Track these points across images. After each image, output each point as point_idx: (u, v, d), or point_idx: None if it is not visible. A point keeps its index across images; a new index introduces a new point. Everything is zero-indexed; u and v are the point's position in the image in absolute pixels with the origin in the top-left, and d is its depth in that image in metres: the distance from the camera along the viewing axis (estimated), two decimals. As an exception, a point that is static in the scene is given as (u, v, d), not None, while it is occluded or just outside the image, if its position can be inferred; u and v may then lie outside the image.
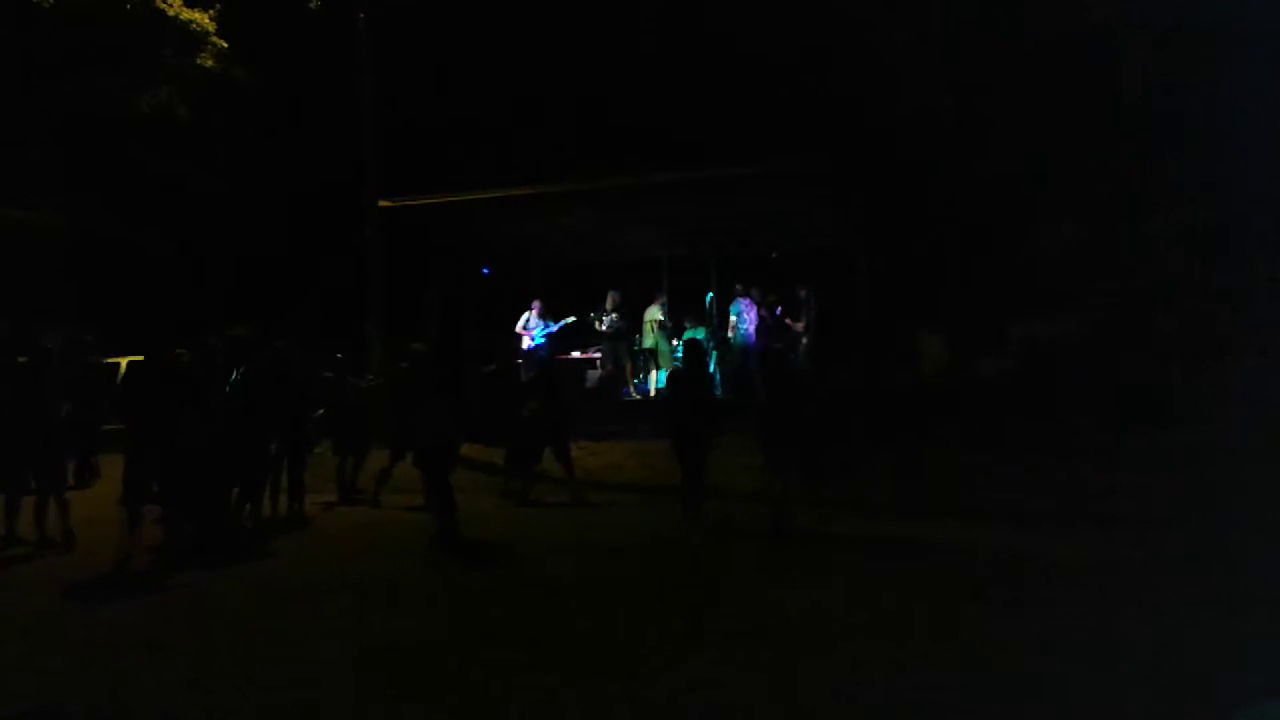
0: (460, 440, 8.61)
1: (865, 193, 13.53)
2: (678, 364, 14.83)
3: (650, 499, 9.72)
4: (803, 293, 14.82)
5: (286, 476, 9.28)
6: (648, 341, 15.09)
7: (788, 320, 14.60)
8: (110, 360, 14.46)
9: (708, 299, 15.35)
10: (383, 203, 14.42)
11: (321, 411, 10.12)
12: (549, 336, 14.64)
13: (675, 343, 15.10)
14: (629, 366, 15.12)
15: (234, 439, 8.36)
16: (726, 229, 14.90)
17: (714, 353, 14.99)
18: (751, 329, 14.56)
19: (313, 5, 14.60)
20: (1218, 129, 13.67)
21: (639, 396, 14.79)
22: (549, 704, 4.66)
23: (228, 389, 8.37)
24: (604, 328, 14.71)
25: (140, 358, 9.96)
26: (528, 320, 14.60)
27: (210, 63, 14.54)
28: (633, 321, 15.19)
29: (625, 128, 18.11)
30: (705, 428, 8.74)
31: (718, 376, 14.78)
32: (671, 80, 18.23)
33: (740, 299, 14.76)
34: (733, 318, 14.66)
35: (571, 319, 14.86)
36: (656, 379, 14.81)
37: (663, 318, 15.10)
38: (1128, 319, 13.89)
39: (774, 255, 16.56)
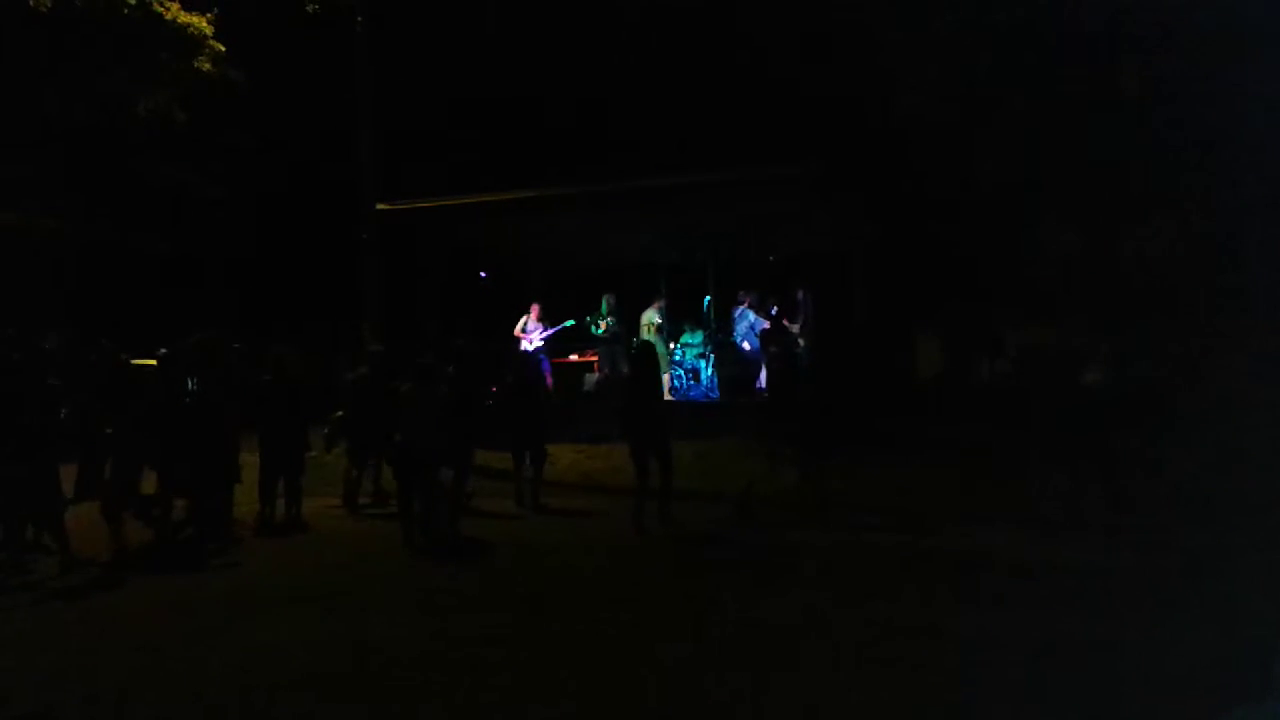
0: (439, 444, 8.53)
1: (863, 197, 13.54)
2: (675, 367, 14.88)
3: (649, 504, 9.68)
4: (800, 295, 14.85)
5: (284, 481, 9.27)
6: (644, 345, 15.10)
7: (785, 321, 14.62)
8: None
9: (705, 302, 15.37)
10: (380, 205, 14.41)
11: (340, 414, 10.06)
12: (547, 339, 14.66)
13: (673, 346, 15.13)
14: (626, 369, 15.12)
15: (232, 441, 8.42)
16: (724, 232, 14.93)
17: (712, 357, 15.05)
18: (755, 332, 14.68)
19: (310, 9, 14.59)
20: (1218, 132, 13.70)
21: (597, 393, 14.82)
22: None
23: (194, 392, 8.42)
24: (601, 331, 14.71)
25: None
26: (525, 323, 14.62)
27: (208, 66, 14.49)
28: (630, 325, 15.20)
29: (623, 131, 18.11)
30: (663, 431, 8.73)
31: (715, 380, 14.82)
32: (669, 83, 18.24)
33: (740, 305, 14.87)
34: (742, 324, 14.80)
35: (569, 322, 14.87)
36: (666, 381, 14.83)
37: (660, 321, 15.11)
38: (1127, 325, 13.91)
39: (771, 259, 16.58)
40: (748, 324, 14.91)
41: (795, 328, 14.60)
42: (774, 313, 14.72)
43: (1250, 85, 12.99)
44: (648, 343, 10.15)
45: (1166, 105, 14.06)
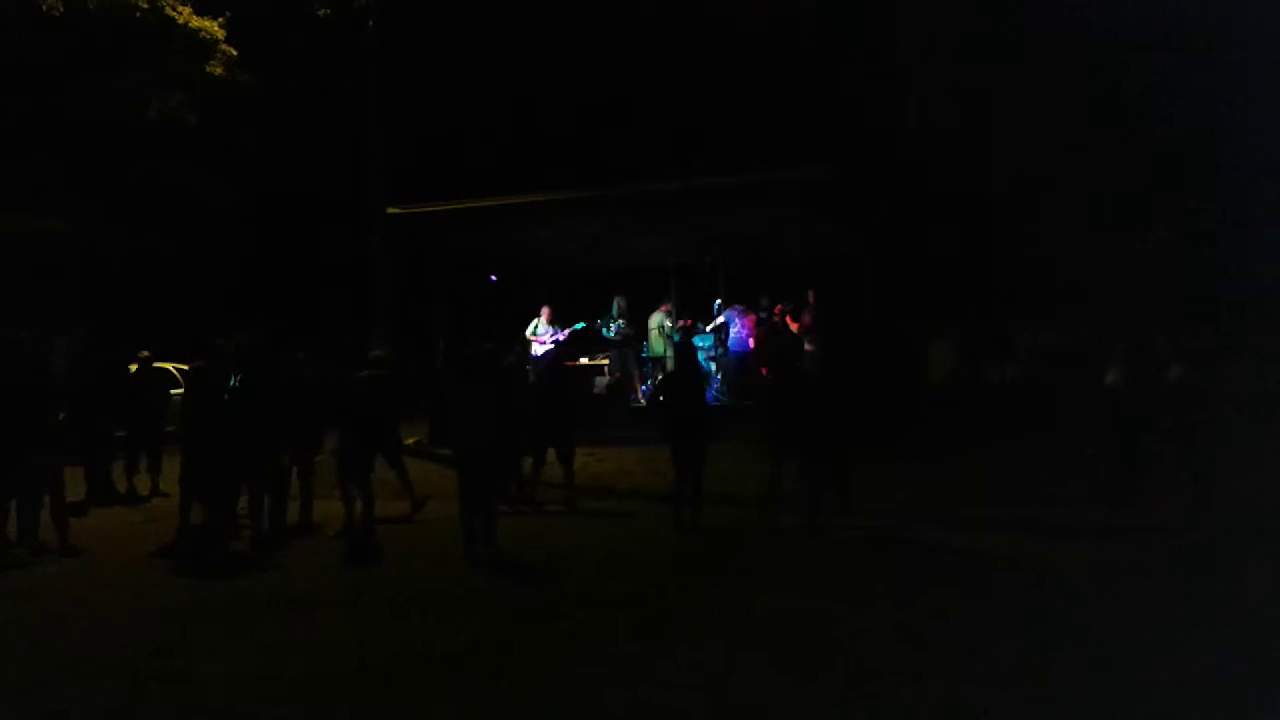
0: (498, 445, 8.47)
1: (872, 200, 13.53)
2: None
3: (656, 506, 9.70)
4: (810, 297, 14.84)
5: (298, 483, 9.28)
6: (655, 348, 15.11)
7: (788, 319, 14.61)
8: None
9: (715, 306, 15.36)
10: (390, 209, 14.44)
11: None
12: (557, 343, 14.66)
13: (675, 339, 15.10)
14: (636, 373, 15.13)
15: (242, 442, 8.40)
16: (734, 236, 14.93)
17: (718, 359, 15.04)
18: (743, 336, 14.65)
19: (321, 13, 14.62)
20: (1223, 135, 13.69)
21: (646, 403, 14.80)
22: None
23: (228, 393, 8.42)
24: (612, 334, 14.72)
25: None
26: (537, 326, 14.63)
27: (219, 70, 14.56)
28: (640, 328, 15.20)
29: (634, 135, 18.15)
30: (702, 429, 8.75)
31: (722, 382, 14.82)
32: (680, 88, 18.27)
33: (729, 309, 14.85)
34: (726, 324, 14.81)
35: (580, 325, 14.88)
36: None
37: (669, 324, 15.10)
38: (1132, 326, 13.90)
39: (782, 262, 16.58)
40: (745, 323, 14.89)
41: (795, 326, 14.58)
42: (778, 312, 14.71)
43: (1254, 89, 13.00)
44: (687, 342, 10.12)
45: (1171, 106, 14.07)
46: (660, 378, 10.65)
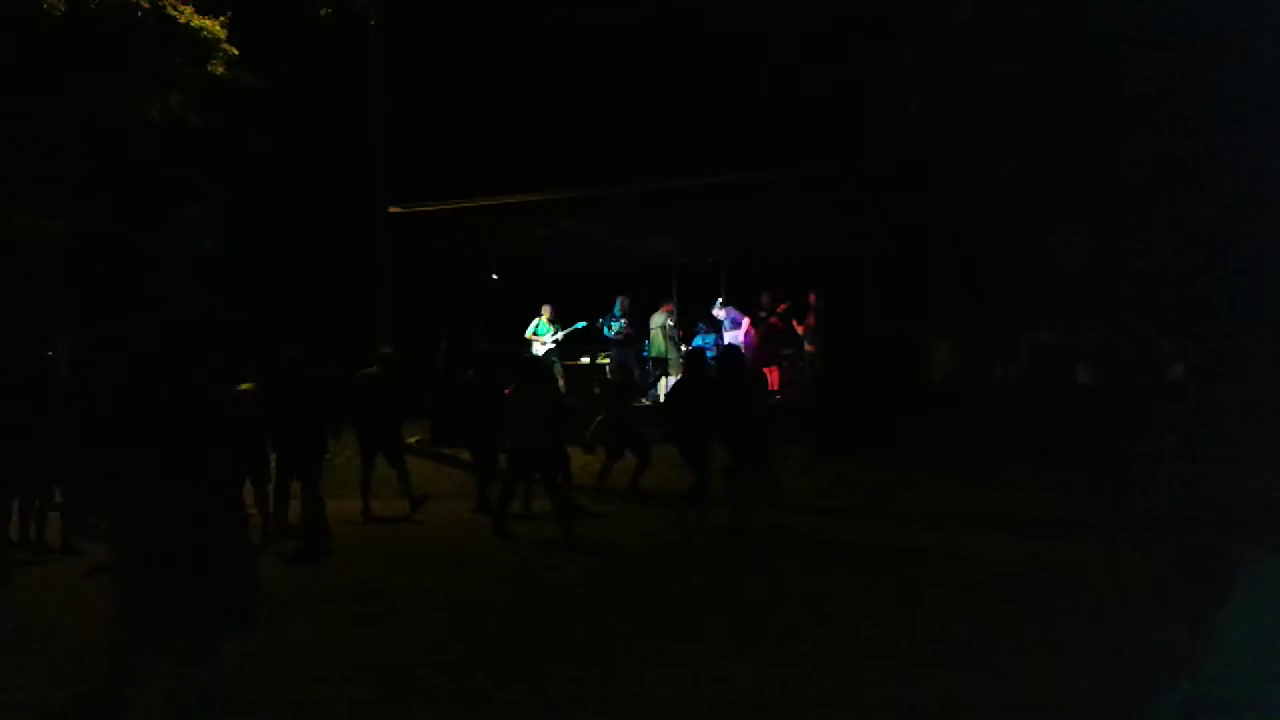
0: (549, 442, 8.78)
1: (874, 199, 13.52)
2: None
3: (658, 506, 9.69)
4: (812, 297, 14.84)
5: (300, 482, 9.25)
6: (657, 348, 15.10)
7: (794, 321, 14.59)
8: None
9: (717, 304, 15.34)
10: (392, 209, 14.45)
11: (602, 418, 10.41)
12: (557, 343, 14.65)
13: (684, 349, 15.12)
14: (637, 372, 15.11)
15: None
16: (736, 235, 14.91)
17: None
18: (738, 337, 14.68)
19: (323, 12, 14.62)
20: (1226, 134, 13.65)
21: (648, 403, 14.78)
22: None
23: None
24: (612, 334, 14.71)
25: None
26: (538, 326, 14.62)
27: (221, 70, 14.54)
28: (642, 328, 15.19)
29: (635, 133, 18.12)
30: (710, 435, 8.77)
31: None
32: (682, 85, 18.25)
33: (727, 310, 14.87)
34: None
35: (581, 325, 14.87)
36: (665, 386, 14.80)
37: (672, 324, 15.09)
38: (1137, 326, 13.87)
39: (783, 261, 16.57)
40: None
41: (800, 328, 14.57)
42: (780, 312, 14.70)
43: (1257, 88, 12.96)
44: (696, 350, 10.26)
45: (1174, 104, 14.03)
46: (672, 386, 10.73)
